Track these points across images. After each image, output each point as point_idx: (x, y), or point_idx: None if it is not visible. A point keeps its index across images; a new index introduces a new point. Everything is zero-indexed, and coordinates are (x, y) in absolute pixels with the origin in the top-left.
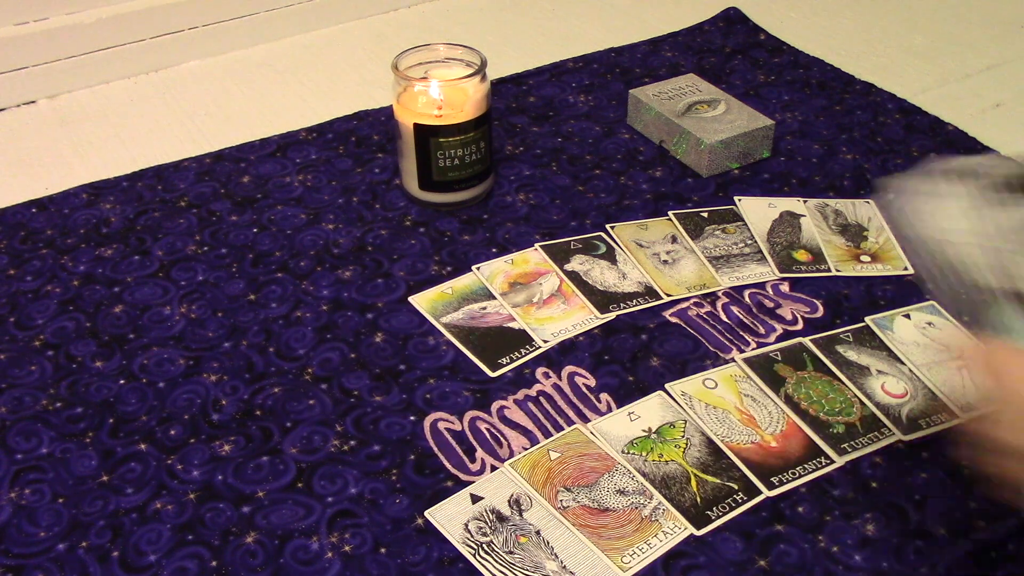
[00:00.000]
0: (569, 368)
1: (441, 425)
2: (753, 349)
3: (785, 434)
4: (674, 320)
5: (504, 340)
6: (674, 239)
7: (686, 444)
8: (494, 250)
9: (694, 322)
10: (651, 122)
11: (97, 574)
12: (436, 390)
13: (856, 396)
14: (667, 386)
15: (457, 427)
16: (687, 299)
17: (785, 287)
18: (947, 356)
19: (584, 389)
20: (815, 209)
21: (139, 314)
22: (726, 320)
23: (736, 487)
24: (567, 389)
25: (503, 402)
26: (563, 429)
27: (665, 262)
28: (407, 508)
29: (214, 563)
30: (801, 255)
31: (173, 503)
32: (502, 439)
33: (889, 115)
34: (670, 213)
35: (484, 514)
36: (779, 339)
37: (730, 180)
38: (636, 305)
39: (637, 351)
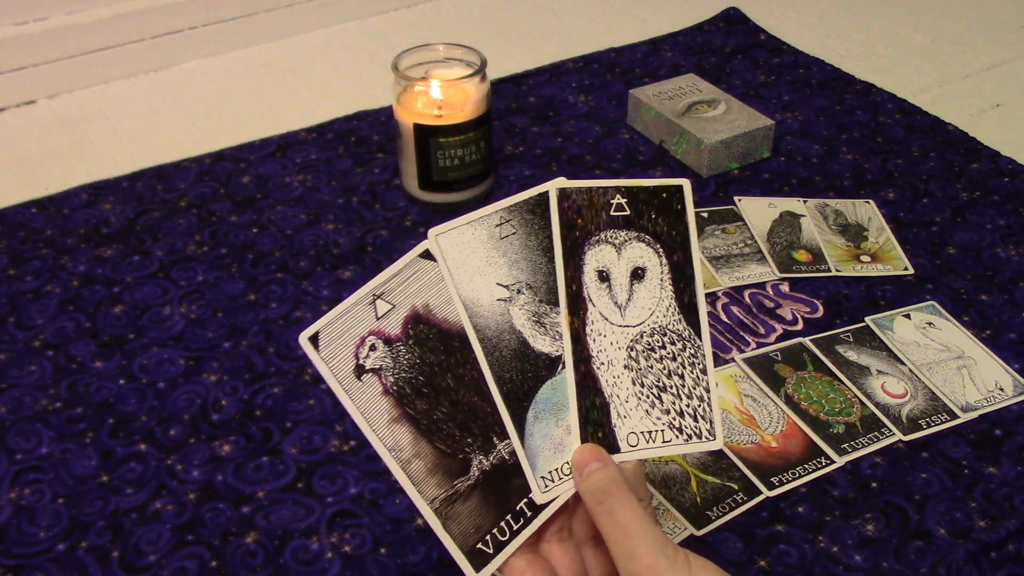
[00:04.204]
0: None
1: None
2: (753, 349)
3: (785, 434)
4: None
5: None
6: None
7: None
8: None
9: None
10: (651, 122)
11: (97, 574)
12: None
13: (856, 396)
14: None
15: None
16: None
17: (785, 287)
18: (947, 356)
19: None
20: (815, 209)
21: (139, 314)
22: (726, 320)
23: (736, 487)
24: None
25: None
26: None
27: None
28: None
29: (214, 563)
30: (801, 255)
31: (173, 503)
32: None
33: (889, 115)
34: None
35: None
36: (779, 339)
37: (730, 180)
38: None
39: None
